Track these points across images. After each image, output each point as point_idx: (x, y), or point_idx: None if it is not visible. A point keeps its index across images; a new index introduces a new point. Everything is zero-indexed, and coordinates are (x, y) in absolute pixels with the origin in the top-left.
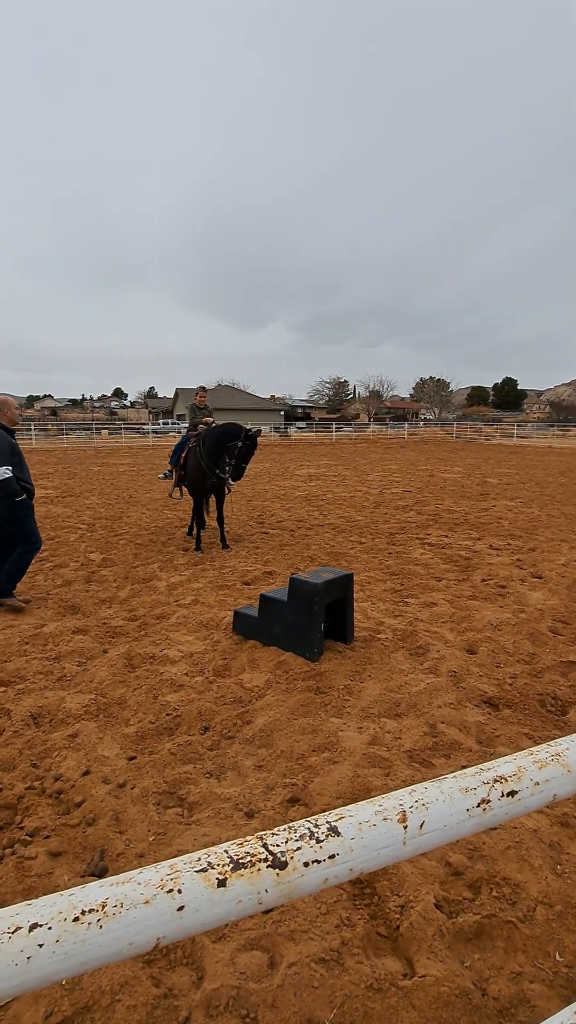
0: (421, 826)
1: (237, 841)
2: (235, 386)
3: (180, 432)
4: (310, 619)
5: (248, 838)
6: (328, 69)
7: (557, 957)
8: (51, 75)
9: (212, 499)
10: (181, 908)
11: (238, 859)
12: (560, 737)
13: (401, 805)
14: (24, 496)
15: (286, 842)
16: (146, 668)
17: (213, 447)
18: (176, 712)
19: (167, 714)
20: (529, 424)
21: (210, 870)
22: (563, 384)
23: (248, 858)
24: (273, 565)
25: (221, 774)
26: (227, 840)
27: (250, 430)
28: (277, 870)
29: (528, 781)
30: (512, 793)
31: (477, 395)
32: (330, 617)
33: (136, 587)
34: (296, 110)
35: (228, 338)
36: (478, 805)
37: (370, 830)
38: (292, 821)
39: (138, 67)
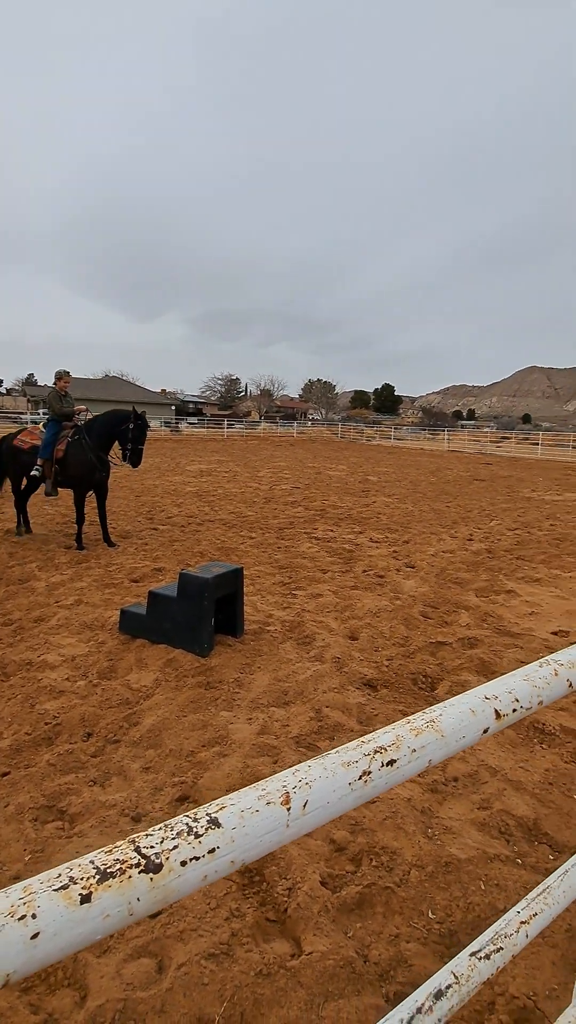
0: (304, 806)
1: (106, 848)
2: (124, 377)
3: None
4: (200, 615)
5: (119, 843)
6: (255, 78)
7: (430, 915)
8: None
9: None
10: (36, 935)
11: (106, 869)
12: None
13: (284, 787)
14: None
15: (161, 842)
16: (22, 676)
17: (103, 435)
18: (56, 720)
19: (45, 723)
20: (404, 427)
21: (72, 886)
22: (433, 392)
23: (117, 866)
24: (163, 561)
25: (106, 780)
26: None
27: (138, 411)
28: (151, 874)
29: (406, 749)
30: (391, 762)
31: (359, 398)
32: (220, 612)
33: (11, 588)
34: (214, 109)
35: (118, 327)
36: (359, 778)
37: (252, 816)
38: None
39: (65, 32)
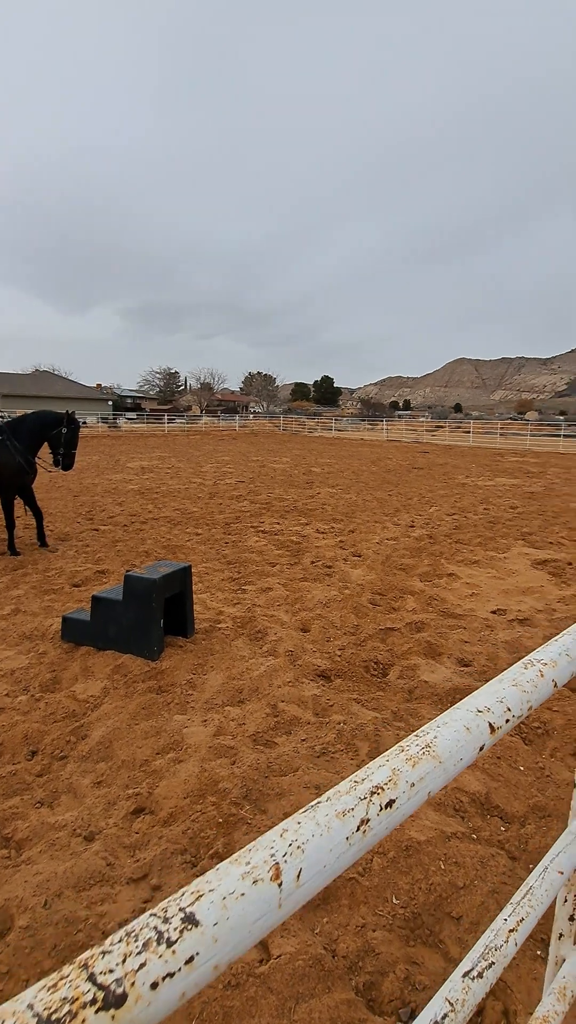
0: (298, 876)
1: (52, 979)
2: (56, 372)
3: None
4: (148, 616)
5: (67, 970)
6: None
7: (394, 901)
8: None
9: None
10: None
11: (50, 1015)
12: (381, 696)
13: (272, 856)
14: None
15: (123, 961)
16: None
17: (32, 438)
18: None
19: None
20: (345, 418)
21: None
22: (371, 384)
23: (66, 1008)
24: (106, 563)
25: (54, 800)
26: (64, 874)
27: (70, 413)
28: (112, 1010)
29: (404, 784)
30: (390, 803)
31: (300, 391)
32: (169, 612)
33: None
34: (151, 92)
35: (47, 319)
36: (358, 828)
37: (237, 903)
38: (137, 833)
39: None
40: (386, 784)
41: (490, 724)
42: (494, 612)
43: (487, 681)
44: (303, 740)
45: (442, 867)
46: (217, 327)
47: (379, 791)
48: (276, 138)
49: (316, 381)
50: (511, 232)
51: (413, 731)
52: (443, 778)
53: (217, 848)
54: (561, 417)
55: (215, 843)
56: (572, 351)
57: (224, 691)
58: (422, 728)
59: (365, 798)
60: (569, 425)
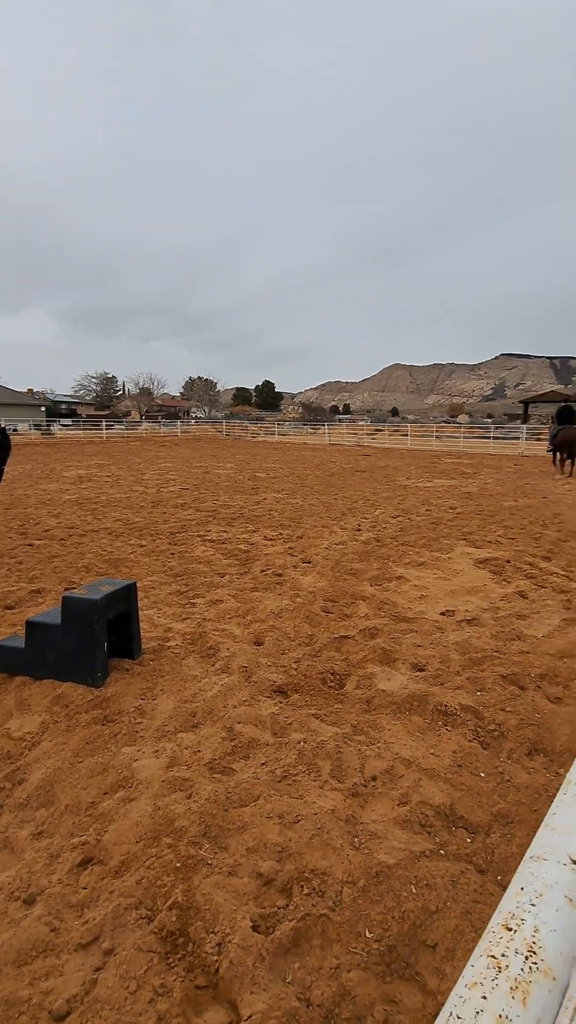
0: None
1: None
2: None
3: None
4: (90, 640)
5: None
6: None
7: (367, 934)
8: None
9: None
10: None
11: None
12: (340, 709)
13: None
14: None
15: None
16: None
17: None
18: None
19: None
20: (287, 423)
21: None
22: (311, 388)
23: None
24: (42, 581)
25: None
26: (2, 948)
27: (3, 426)
28: None
29: None
30: None
31: (241, 396)
32: (113, 633)
33: None
34: (94, 88)
35: None
36: None
37: None
38: (85, 888)
39: None
40: None
41: None
42: (443, 613)
43: (442, 685)
44: (263, 764)
45: (414, 891)
46: (158, 331)
47: None
48: (217, 145)
49: (258, 386)
50: (441, 246)
51: (375, 744)
52: (557, 1007)
53: (176, 897)
54: (489, 420)
55: (173, 892)
56: (496, 358)
57: (176, 716)
58: (506, 905)
59: None
60: (497, 428)
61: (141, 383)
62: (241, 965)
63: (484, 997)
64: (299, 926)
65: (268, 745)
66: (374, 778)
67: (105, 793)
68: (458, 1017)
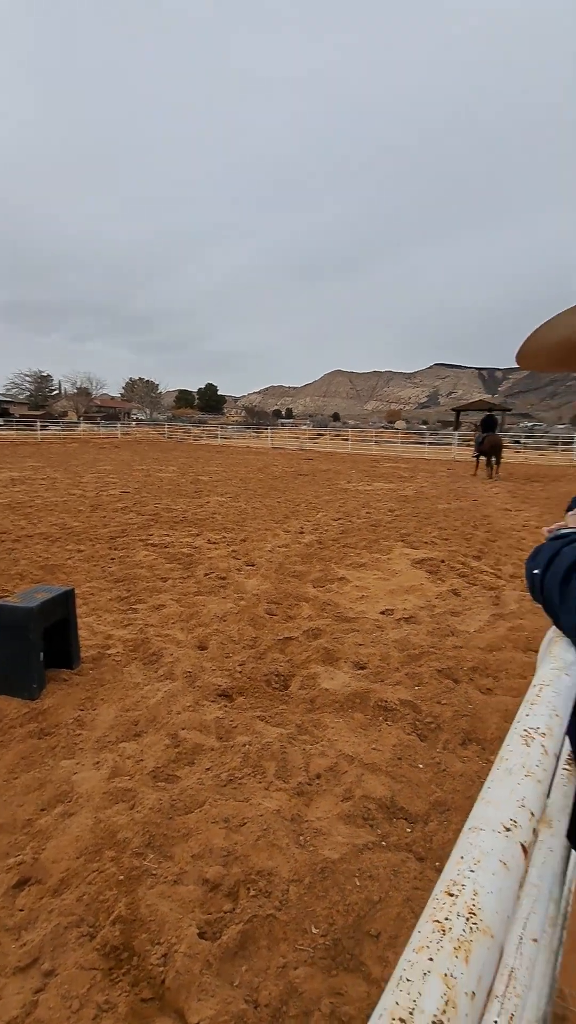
0: None
1: None
2: None
3: None
4: (25, 651)
5: None
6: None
7: (313, 930)
8: None
9: None
10: None
11: None
12: (285, 710)
13: None
14: None
15: None
16: None
17: None
18: None
19: None
20: (230, 426)
21: None
22: (255, 392)
23: None
24: None
25: None
26: None
27: None
28: None
29: (464, 1001)
30: None
31: (184, 398)
32: (50, 642)
33: None
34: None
35: None
36: None
37: None
38: (23, 910)
39: None
40: (443, 1012)
41: (522, 847)
42: (383, 612)
43: (383, 682)
44: (208, 769)
45: (357, 884)
46: (95, 330)
47: None
48: (161, 145)
49: (200, 389)
50: (382, 259)
51: (319, 742)
52: (496, 961)
53: (119, 911)
54: (424, 426)
55: (116, 905)
56: (431, 367)
57: (118, 725)
58: (448, 873)
59: None
60: (432, 433)
61: (79, 383)
62: (188, 973)
63: (431, 959)
64: (246, 928)
65: (213, 750)
66: (318, 776)
67: (43, 809)
68: (407, 980)
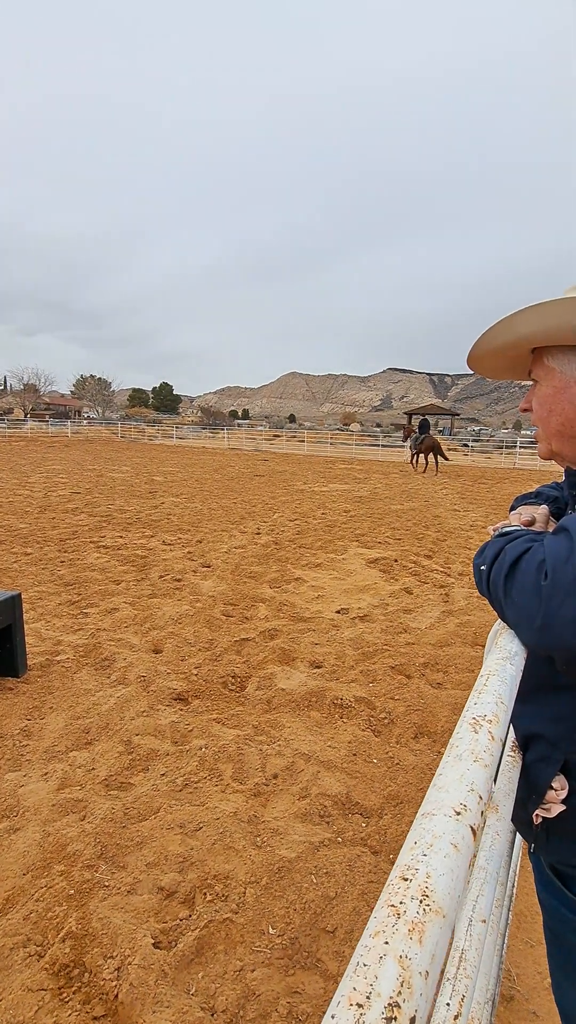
0: None
1: None
2: None
3: None
4: None
5: None
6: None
7: (270, 931)
8: None
9: None
10: None
11: None
12: (241, 711)
13: None
14: None
15: None
16: None
17: None
18: None
19: None
20: (186, 426)
21: None
22: (211, 392)
23: None
24: None
25: None
26: None
27: None
28: None
29: (419, 980)
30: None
31: (138, 397)
32: None
33: None
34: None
35: None
36: None
37: None
38: None
39: None
40: (399, 993)
41: (472, 828)
42: (338, 612)
43: (338, 680)
44: (162, 775)
45: (314, 881)
46: (42, 324)
47: (394, 1010)
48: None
49: (155, 388)
50: (336, 263)
51: (275, 742)
52: (448, 940)
53: (70, 927)
54: (378, 429)
55: (66, 921)
56: (384, 372)
57: (68, 734)
58: (403, 859)
59: None
60: (385, 436)
61: (26, 379)
62: (142, 986)
63: (386, 942)
64: (202, 934)
65: (168, 755)
66: (275, 776)
67: None
68: (364, 965)
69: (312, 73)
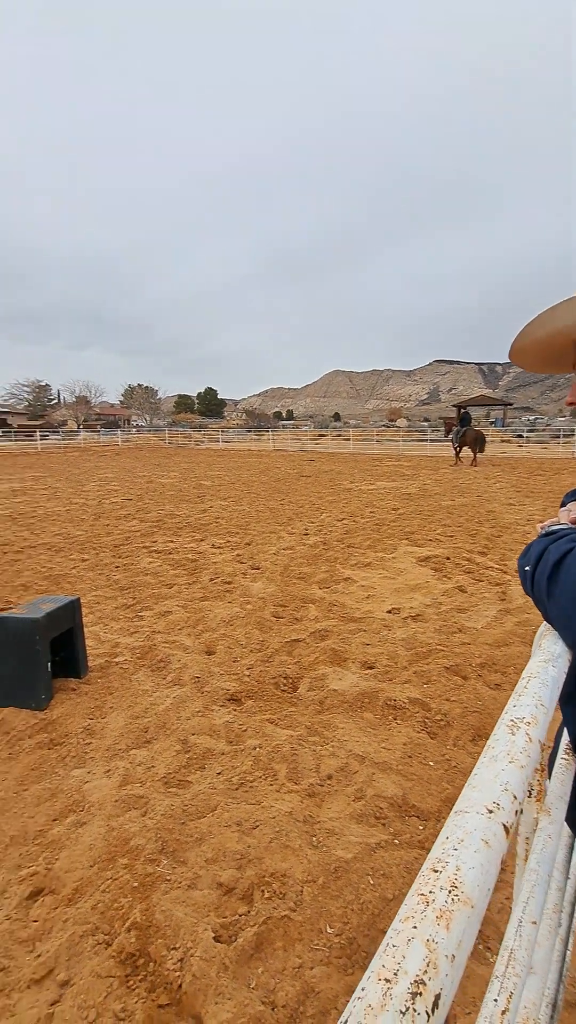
0: None
1: None
2: None
3: None
4: (32, 661)
5: None
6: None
7: (328, 930)
8: None
9: None
10: None
11: None
12: (294, 712)
13: None
14: None
15: None
16: None
17: None
18: None
19: None
20: (231, 430)
21: None
22: (254, 395)
23: None
24: None
25: None
26: None
27: None
28: None
29: (445, 963)
30: (436, 1002)
31: (183, 403)
32: (57, 652)
33: None
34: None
35: None
36: None
37: None
38: (36, 921)
39: None
40: (424, 972)
41: (504, 827)
42: (389, 611)
43: (391, 681)
44: (219, 773)
45: (371, 882)
46: (89, 338)
47: (420, 986)
48: (136, 146)
49: (200, 393)
50: (377, 257)
51: (329, 743)
52: (477, 923)
53: (134, 918)
54: (426, 423)
55: (131, 912)
56: (430, 364)
57: (128, 733)
58: (434, 852)
59: (407, 1009)
60: (433, 430)
61: (77, 391)
62: (204, 977)
63: (415, 927)
64: (261, 930)
65: (223, 754)
66: (329, 777)
67: (55, 820)
68: (393, 946)
69: (343, 71)
